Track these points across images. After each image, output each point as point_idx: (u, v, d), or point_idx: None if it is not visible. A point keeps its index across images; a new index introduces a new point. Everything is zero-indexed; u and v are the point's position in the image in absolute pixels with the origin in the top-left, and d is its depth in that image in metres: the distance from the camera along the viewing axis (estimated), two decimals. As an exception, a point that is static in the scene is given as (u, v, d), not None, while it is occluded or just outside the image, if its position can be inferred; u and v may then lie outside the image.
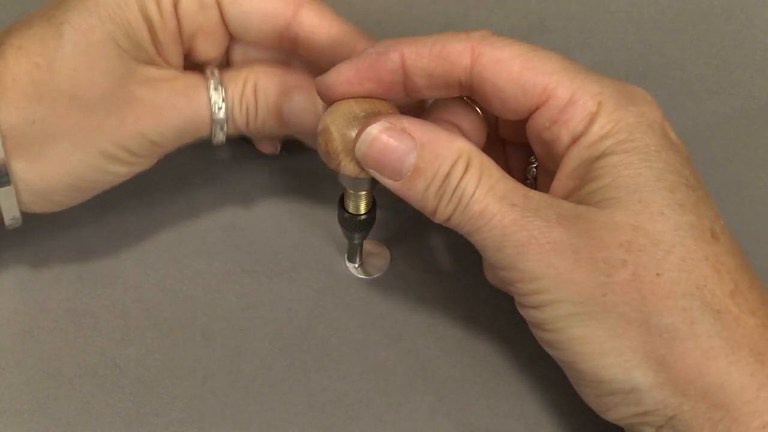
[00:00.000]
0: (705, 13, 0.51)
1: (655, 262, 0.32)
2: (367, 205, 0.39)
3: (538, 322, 0.34)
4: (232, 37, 0.40)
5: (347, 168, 0.35)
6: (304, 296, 0.41)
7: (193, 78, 0.39)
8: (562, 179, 0.35)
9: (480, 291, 0.41)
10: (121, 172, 0.38)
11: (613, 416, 0.34)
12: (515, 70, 0.34)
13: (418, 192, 0.34)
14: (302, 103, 0.39)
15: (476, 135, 0.38)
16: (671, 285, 0.32)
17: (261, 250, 0.43)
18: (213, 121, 0.39)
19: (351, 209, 0.39)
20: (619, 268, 0.32)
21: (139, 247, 0.42)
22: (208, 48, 0.40)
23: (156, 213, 0.40)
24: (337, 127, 0.35)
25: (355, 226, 0.39)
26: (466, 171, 0.33)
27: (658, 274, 0.32)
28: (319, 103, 0.38)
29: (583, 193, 0.34)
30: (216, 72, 0.39)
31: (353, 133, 0.35)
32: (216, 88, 0.38)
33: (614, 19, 0.50)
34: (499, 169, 0.34)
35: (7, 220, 0.37)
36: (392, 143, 0.34)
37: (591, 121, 0.34)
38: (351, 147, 0.35)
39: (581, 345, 0.33)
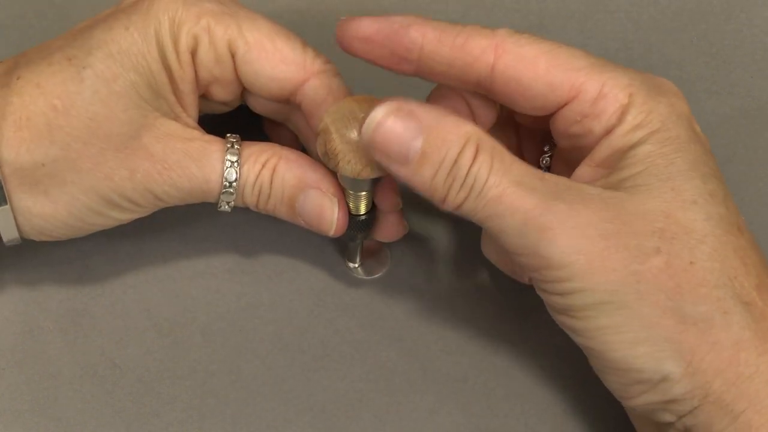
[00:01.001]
0: (705, 13, 0.51)
1: (688, 250, 0.32)
2: (366, 206, 0.39)
3: (563, 308, 0.33)
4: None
5: (345, 169, 0.35)
6: (304, 296, 0.41)
7: (210, 144, 0.38)
8: (591, 166, 0.35)
9: (480, 291, 0.41)
10: (121, 218, 0.38)
11: (636, 403, 0.33)
12: (542, 67, 0.34)
13: (426, 179, 0.33)
14: (317, 200, 0.38)
15: (487, 113, 0.38)
16: (704, 274, 0.32)
17: (261, 250, 0.43)
18: (221, 194, 0.38)
19: (351, 210, 0.39)
20: (652, 255, 0.32)
21: (139, 248, 0.42)
22: (223, 94, 0.39)
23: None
24: (336, 127, 0.35)
25: (355, 227, 0.39)
26: (476, 156, 0.33)
27: (691, 263, 0.32)
28: (335, 203, 0.38)
29: (612, 180, 0.34)
30: (236, 145, 0.38)
31: (352, 134, 0.35)
32: (232, 165, 0.37)
33: (614, 19, 0.50)
34: (510, 153, 0.33)
35: (6, 241, 0.37)
36: (398, 127, 0.33)
37: (623, 113, 0.34)
38: (350, 148, 0.35)
39: (612, 334, 0.32)
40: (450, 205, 0.34)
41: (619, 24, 0.50)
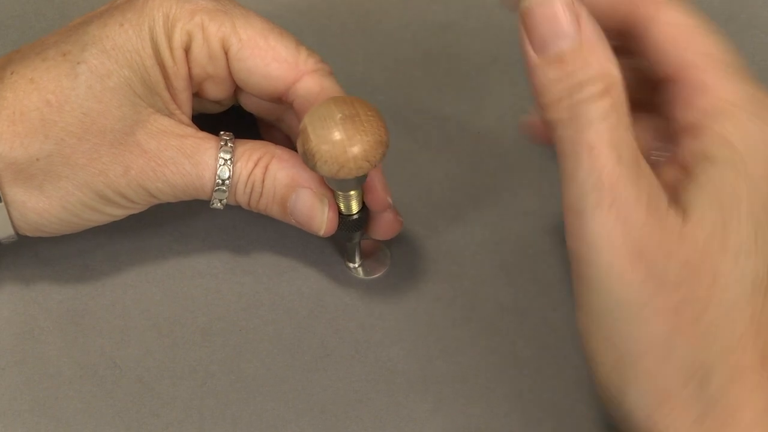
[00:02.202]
0: (705, 13, 0.51)
1: (702, 303, 0.30)
2: (357, 204, 0.39)
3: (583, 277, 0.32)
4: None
5: (322, 169, 0.35)
6: (304, 296, 0.41)
7: (204, 141, 0.38)
8: (675, 166, 0.33)
9: (480, 291, 0.41)
10: (115, 213, 0.38)
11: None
12: (677, 36, 0.33)
13: (545, 79, 0.31)
14: (308, 200, 0.38)
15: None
16: (712, 329, 0.30)
17: (261, 250, 0.43)
18: (214, 191, 0.38)
19: (342, 210, 0.39)
20: (671, 289, 0.30)
21: (138, 247, 0.42)
22: (216, 91, 0.40)
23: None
24: (314, 127, 0.35)
25: (348, 227, 0.39)
26: (601, 96, 0.31)
27: (697, 319, 0.31)
28: (325, 203, 0.38)
29: (680, 188, 0.32)
30: (230, 143, 0.38)
31: (330, 135, 0.35)
32: (225, 162, 0.38)
33: (614, 19, 0.50)
34: (629, 123, 0.31)
35: (1, 238, 0.38)
36: (561, 16, 0.31)
37: (714, 120, 0.32)
38: (327, 148, 0.35)
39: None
40: (547, 114, 0.32)
41: (619, 24, 0.50)
